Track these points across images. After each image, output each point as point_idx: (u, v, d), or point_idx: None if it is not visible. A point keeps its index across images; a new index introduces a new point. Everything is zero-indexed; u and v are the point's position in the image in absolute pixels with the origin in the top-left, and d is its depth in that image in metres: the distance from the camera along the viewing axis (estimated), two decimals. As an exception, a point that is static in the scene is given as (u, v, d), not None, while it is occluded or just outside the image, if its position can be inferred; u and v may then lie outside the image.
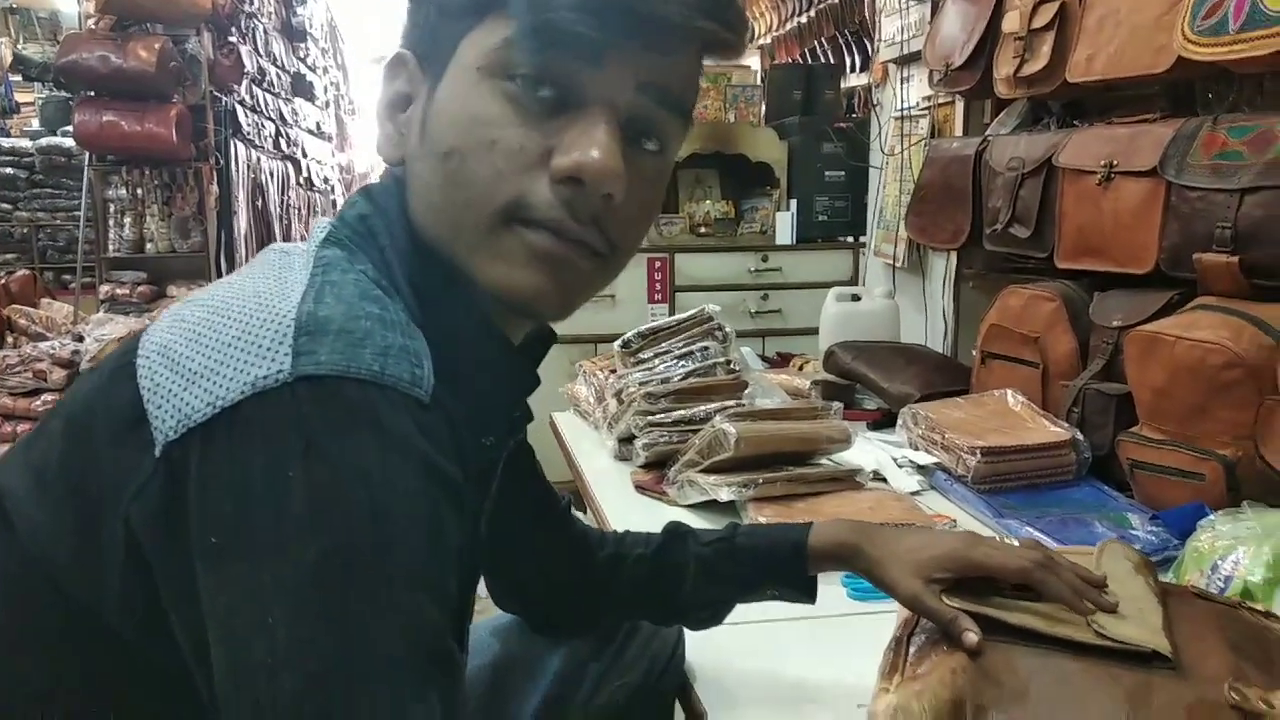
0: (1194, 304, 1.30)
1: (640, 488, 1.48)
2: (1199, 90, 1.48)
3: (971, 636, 0.66)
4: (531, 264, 0.54)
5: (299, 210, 5.50)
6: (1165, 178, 1.35)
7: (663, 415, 1.54)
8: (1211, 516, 0.99)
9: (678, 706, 0.93)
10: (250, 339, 0.46)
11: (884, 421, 1.81)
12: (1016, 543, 0.81)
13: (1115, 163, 1.45)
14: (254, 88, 4.88)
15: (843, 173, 2.99)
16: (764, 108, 3.34)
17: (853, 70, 3.66)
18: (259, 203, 4.89)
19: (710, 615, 0.86)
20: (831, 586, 1.09)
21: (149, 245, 4.37)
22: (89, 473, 0.49)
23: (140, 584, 0.47)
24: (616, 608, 0.86)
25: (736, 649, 0.97)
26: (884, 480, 1.46)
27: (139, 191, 4.35)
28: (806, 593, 0.84)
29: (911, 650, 0.70)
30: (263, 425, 0.44)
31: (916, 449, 1.56)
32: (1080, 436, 1.44)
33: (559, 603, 0.86)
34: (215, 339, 0.46)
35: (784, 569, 0.82)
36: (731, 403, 1.52)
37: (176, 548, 0.45)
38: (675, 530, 0.87)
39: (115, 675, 0.51)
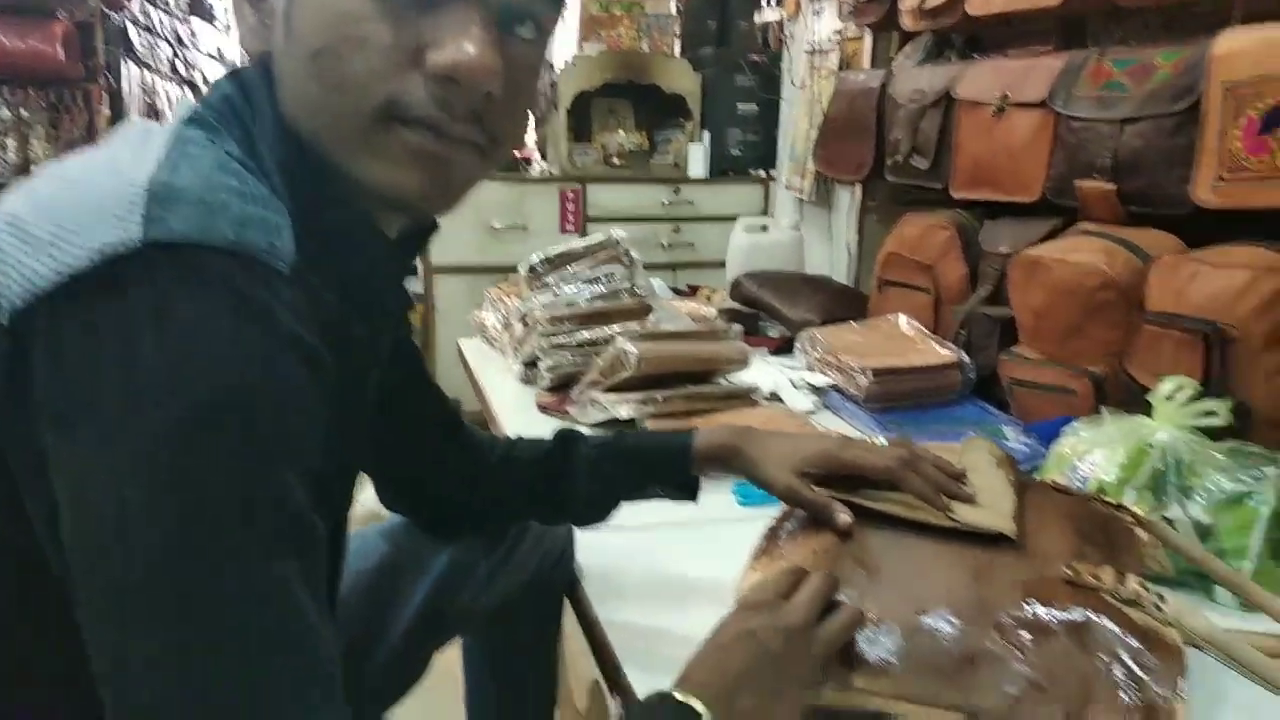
0: (1074, 230, 1.36)
1: (544, 408, 1.49)
2: (1090, 24, 1.52)
3: (844, 518, 0.71)
4: (412, 163, 0.54)
5: (200, 137, 5.26)
6: (1054, 109, 1.40)
7: (566, 337, 1.55)
8: (1075, 423, 1.05)
9: (567, 605, 0.96)
10: (100, 207, 0.44)
11: (786, 348, 1.85)
12: (885, 442, 0.85)
13: (1008, 95, 1.49)
14: (147, 6, 4.62)
15: (755, 106, 3.00)
16: (679, 38, 3.32)
17: (768, 3, 3.64)
18: (156, 127, 4.66)
19: (598, 513, 0.88)
20: (721, 495, 1.13)
21: (35, 169, 4.13)
22: None
23: None
24: (507, 508, 0.88)
25: (626, 551, 0.99)
26: (780, 400, 1.50)
27: (23, 113, 4.09)
28: (689, 492, 0.87)
29: (782, 536, 0.73)
30: (112, 292, 0.43)
31: (813, 371, 1.61)
32: (966, 358, 1.50)
33: (449, 504, 0.87)
34: (65, 207, 0.45)
35: (669, 469, 0.84)
36: (635, 325, 1.54)
37: (23, 416, 0.44)
38: (565, 434, 0.89)
39: None
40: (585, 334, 1.55)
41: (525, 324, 1.65)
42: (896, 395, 1.47)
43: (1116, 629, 0.62)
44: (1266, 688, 0.62)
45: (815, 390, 1.54)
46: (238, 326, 0.44)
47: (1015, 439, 1.25)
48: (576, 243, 1.70)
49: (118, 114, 4.29)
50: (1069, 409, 1.25)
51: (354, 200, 0.56)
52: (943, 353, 1.51)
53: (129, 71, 4.36)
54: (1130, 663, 0.60)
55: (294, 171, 0.54)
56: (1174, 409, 0.96)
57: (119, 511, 0.42)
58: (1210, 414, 0.94)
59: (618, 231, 1.70)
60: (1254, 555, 0.88)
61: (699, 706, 0.53)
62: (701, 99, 3.06)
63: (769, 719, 0.56)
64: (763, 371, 1.60)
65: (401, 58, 0.51)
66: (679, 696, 0.54)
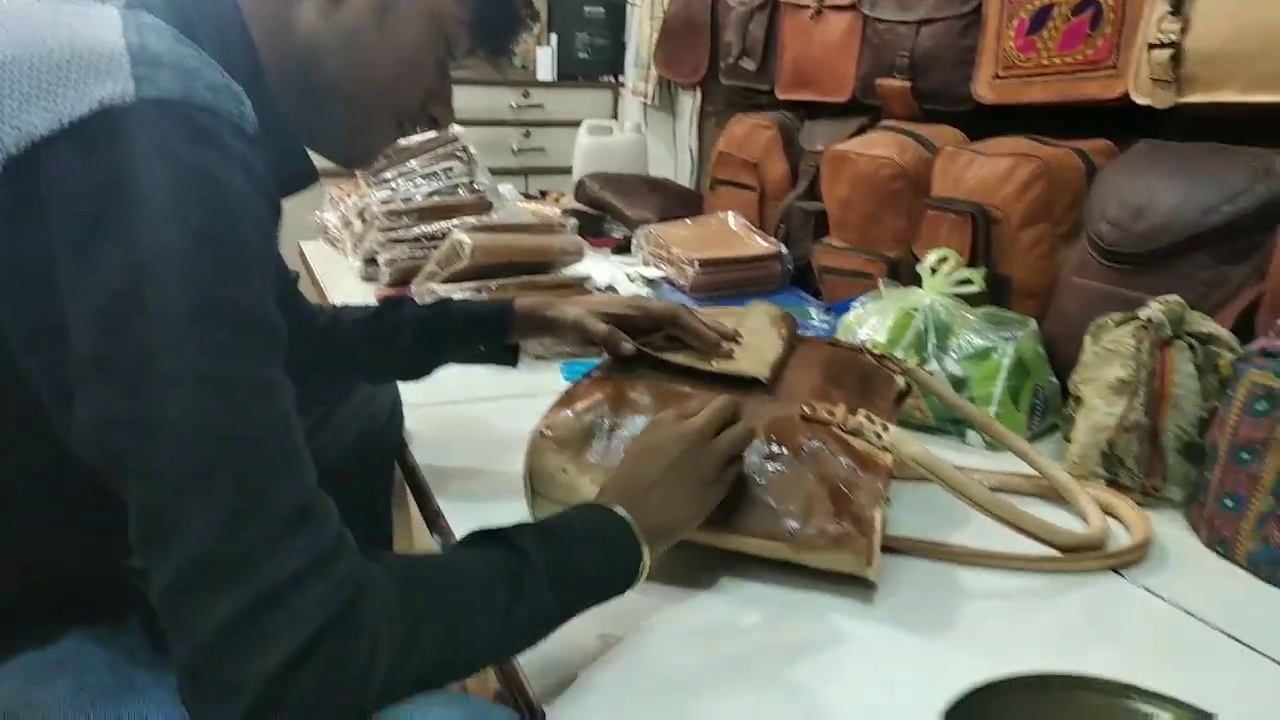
0: (877, 127, 1.47)
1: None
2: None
3: (627, 346, 0.83)
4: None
5: None
6: (862, 11, 1.50)
7: (404, 232, 1.58)
8: (861, 298, 1.17)
9: (396, 468, 1.02)
10: (82, 63, 0.48)
11: (626, 248, 1.93)
12: None
13: (824, -3, 1.58)
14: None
15: (602, 9, 3.01)
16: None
17: (617, -94, 3.61)
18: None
19: (421, 368, 0.94)
20: (550, 372, 1.21)
21: None
22: None
23: None
24: (331, 365, 0.92)
25: (457, 422, 1.06)
26: (615, 290, 1.57)
27: None
28: (510, 356, 0.96)
29: (578, 387, 0.82)
30: (116, 135, 0.47)
31: (647, 265, 1.69)
32: (785, 250, 1.61)
33: None
34: (40, 64, 0.49)
35: (490, 326, 0.93)
36: (473, 220, 1.58)
37: (24, 253, 0.48)
38: (392, 299, 0.95)
39: None
40: (423, 228, 1.58)
41: (364, 220, 1.67)
42: (721, 285, 1.57)
43: (837, 454, 0.73)
44: (965, 501, 0.73)
45: (648, 282, 1.63)
46: (227, 170, 0.50)
47: (819, 318, 1.37)
48: (413, 138, 1.72)
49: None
50: (867, 290, 1.37)
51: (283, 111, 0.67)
52: (764, 245, 1.62)
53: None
54: (844, 480, 0.71)
55: (243, 72, 0.58)
56: (938, 279, 1.08)
57: (140, 316, 0.46)
58: (966, 282, 1.07)
59: (456, 128, 1.72)
60: (996, 400, 1.02)
61: (618, 510, 0.62)
62: (548, 1, 3.05)
63: (676, 512, 0.67)
64: (601, 267, 1.68)
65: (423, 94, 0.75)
66: (599, 504, 0.64)
